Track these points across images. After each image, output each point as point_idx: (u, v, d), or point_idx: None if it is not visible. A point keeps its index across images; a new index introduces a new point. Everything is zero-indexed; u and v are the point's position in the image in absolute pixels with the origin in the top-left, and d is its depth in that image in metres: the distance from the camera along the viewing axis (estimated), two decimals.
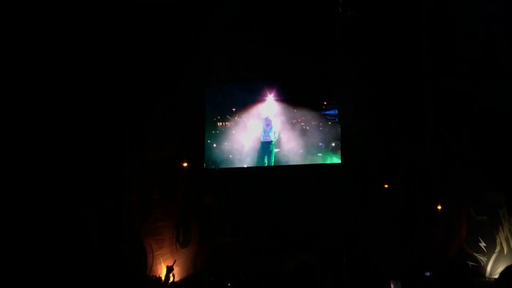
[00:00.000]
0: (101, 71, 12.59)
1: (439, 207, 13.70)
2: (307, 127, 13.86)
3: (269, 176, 14.22)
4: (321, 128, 13.77)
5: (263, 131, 14.12)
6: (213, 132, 14.40)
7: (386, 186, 13.85)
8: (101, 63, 12.60)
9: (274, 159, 13.99)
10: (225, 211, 14.61)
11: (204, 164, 14.42)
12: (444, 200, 13.66)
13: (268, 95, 14.17)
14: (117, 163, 13.15)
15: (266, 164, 14.04)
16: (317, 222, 13.70)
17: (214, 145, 14.35)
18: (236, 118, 14.33)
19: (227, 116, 14.38)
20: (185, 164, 14.35)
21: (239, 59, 13.85)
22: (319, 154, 13.72)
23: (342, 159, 13.63)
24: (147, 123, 13.93)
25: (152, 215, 13.77)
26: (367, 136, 13.38)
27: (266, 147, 14.04)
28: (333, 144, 13.69)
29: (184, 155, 14.40)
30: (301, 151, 13.84)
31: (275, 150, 13.97)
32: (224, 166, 14.33)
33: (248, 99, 14.36)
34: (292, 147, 13.91)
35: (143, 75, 13.57)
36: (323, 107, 13.81)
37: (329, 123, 13.71)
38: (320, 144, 13.74)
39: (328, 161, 13.70)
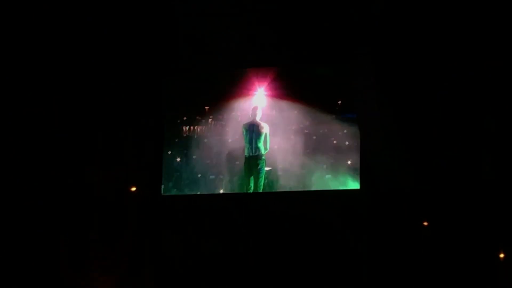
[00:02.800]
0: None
1: (502, 255, 10.71)
2: (314, 136, 10.69)
3: (257, 206, 11.00)
4: (332, 138, 10.59)
5: (248, 140, 10.78)
6: (176, 140, 11.08)
7: (425, 223, 10.85)
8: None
9: (264, 182, 10.68)
10: (196, 259, 11.33)
11: (162, 187, 11.06)
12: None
13: (257, 88, 10.92)
14: (38, 188, 10.91)
15: (251, 189, 10.72)
16: (327, 277, 10.67)
17: (178, 158, 11.02)
18: (210, 120, 11.06)
19: (197, 117, 11.09)
20: (134, 189, 11.29)
21: (214, 36, 10.81)
22: (328, 176, 10.51)
23: (362, 184, 10.50)
24: (80, 129, 11.20)
25: (88, 265, 11.02)
26: (398, 151, 10.47)
27: (252, 163, 10.68)
28: (349, 162, 10.48)
29: (135, 174, 11.37)
30: (303, 170, 10.60)
31: (266, 168, 10.65)
32: (191, 190, 11.02)
33: (227, 93, 11.11)
34: (289, 165, 10.69)
35: (76, 63, 11.01)
36: (337, 107, 10.67)
37: (345, 131, 10.53)
38: (331, 161, 10.59)
39: (342, 187, 10.53)
